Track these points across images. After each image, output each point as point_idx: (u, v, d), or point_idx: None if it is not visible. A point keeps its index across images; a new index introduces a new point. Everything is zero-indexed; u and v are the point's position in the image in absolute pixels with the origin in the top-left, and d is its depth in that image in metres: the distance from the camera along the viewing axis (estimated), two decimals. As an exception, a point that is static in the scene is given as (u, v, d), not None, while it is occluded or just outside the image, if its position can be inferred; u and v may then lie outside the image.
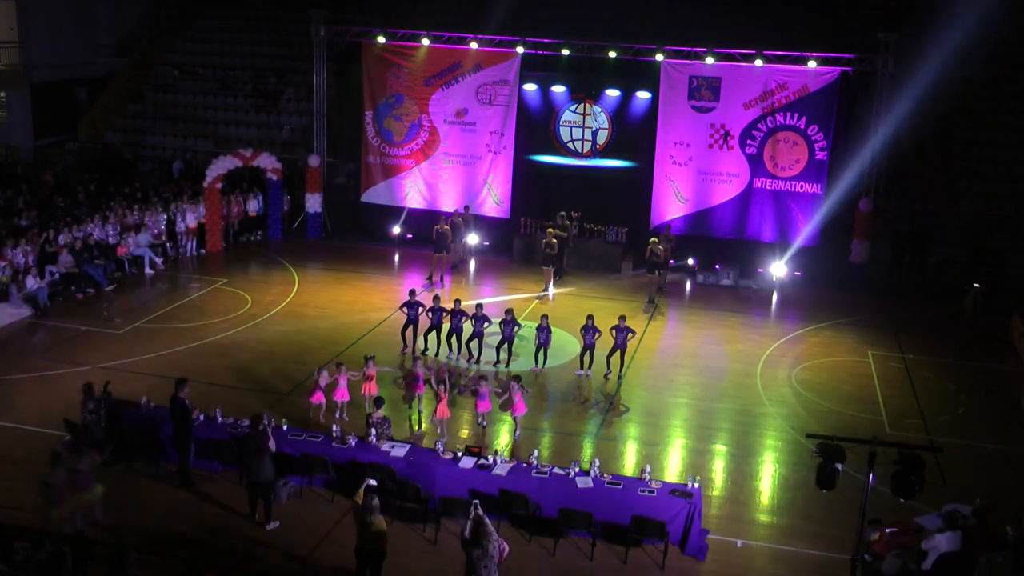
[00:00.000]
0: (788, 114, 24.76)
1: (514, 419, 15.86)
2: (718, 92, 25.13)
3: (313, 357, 18.92)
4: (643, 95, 25.87)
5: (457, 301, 19.31)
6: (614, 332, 18.34)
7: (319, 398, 16.05)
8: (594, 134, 26.46)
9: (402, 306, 19.41)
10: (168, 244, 25.51)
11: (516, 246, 26.62)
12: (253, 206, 27.63)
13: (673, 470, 15.20)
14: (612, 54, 25.09)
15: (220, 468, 14.39)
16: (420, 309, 19.25)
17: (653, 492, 12.99)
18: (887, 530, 12.19)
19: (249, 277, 24.46)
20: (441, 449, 13.98)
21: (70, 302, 21.85)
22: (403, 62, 27.11)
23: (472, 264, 26.10)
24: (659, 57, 25.03)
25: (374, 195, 28.26)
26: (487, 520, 10.95)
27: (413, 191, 27.88)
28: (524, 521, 13.15)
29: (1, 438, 15.23)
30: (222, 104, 34.62)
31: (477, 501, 11.20)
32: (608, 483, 13.21)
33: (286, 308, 22.11)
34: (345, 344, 19.83)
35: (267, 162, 27.31)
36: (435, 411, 15.68)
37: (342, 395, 16.10)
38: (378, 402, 14.77)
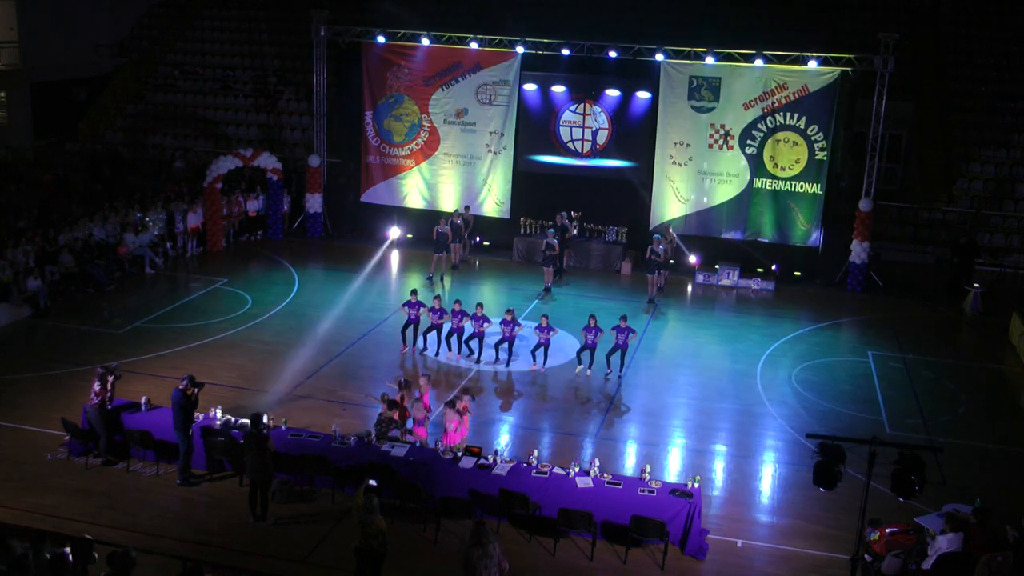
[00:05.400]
0: (788, 114, 24.73)
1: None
2: (718, 92, 25.11)
3: (313, 357, 18.92)
4: (643, 95, 25.86)
5: (457, 301, 19.33)
6: (615, 332, 18.35)
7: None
8: (594, 134, 26.46)
9: (403, 305, 19.43)
10: (168, 244, 25.49)
11: (516, 246, 26.61)
12: (253, 206, 27.61)
13: (673, 470, 15.21)
14: (612, 54, 25.08)
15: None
16: (421, 309, 19.27)
17: (653, 492, 12.99)
18: (887, 530, 12.21)
19: (249, 277, 24.45)
20: (441, 449, 13.98)
21: (70, 302, 21.84)
22: (403, 62, 27.10)
23: (473, 264, 26.11)
24: (659, 57, 25.02)
25: (374, 195, 28.23)
26: (486, 523, 10.94)
27: (413, 191, 27.88)
28: (524, 521, 13.14)
29: (1, 438, 15.23)
30: (222, 104, 34.61)
31: (478, 510, 11.05)
32: (608, 483, 13.22)
33: (286, 308, 22.11)
34: (345, 344, 19.83)
35: (267, 162, 27.31)
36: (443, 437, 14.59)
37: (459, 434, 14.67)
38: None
